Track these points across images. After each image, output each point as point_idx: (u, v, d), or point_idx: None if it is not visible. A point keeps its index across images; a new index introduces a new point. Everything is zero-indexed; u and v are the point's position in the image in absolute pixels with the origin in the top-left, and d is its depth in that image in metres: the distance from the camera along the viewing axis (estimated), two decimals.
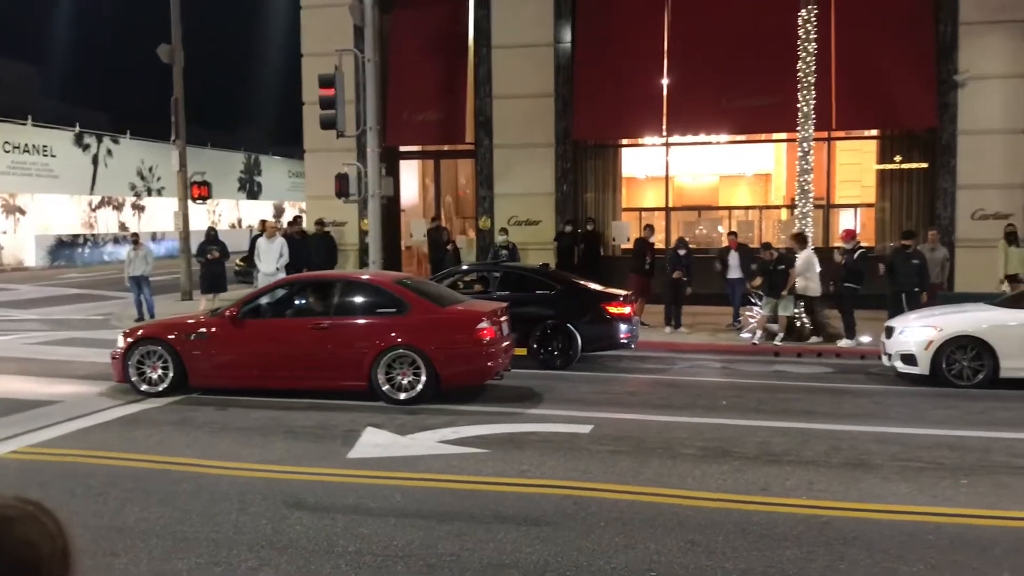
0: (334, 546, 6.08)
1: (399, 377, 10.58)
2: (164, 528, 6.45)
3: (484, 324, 10.67)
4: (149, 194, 46.12)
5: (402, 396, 10.54)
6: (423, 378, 10.50)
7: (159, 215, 44.35)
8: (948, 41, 18.70)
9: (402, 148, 22.38)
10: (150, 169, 45.66)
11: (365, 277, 12.40)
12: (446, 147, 22.52)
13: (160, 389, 11.06)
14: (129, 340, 11.27)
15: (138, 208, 45.64)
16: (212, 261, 18.59)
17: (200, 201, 23.34)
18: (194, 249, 20.74)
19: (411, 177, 23.41)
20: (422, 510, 6.84)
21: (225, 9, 60.22)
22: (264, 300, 11.55)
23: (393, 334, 10.63)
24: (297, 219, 20.64)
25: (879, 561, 5.77)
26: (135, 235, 20.55)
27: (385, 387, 10.58)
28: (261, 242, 17.93)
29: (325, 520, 6.57)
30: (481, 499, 7.10)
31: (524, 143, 20.64)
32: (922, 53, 18.89)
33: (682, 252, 16.59)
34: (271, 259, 17.51)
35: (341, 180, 16.89)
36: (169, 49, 21.82)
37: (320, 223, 19.84)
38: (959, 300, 14.23)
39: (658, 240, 18.48)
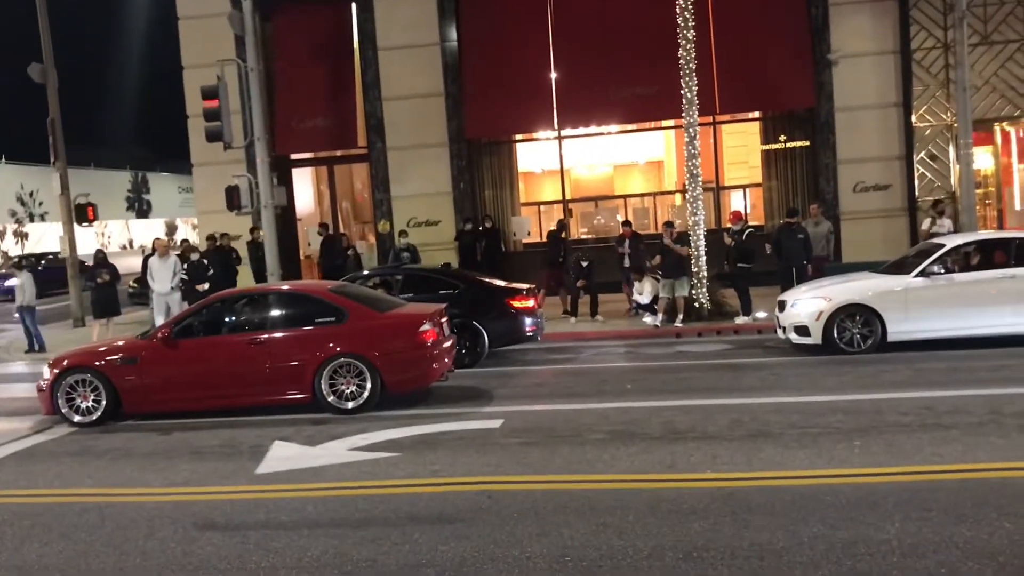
0: (246, 563, 5.99)
1: (343, 386, 10.46)
2: (67, 562, 6.24)
3: (426, 327, 10.62)
4: (31, 220, 44.28)
5: (349, 405, 10.41)
6: (369, 385, 10.40)
7: (45, 240, 42.62)
8: (820, 22, 19.43)
9: (294, 156, 22.07)
10: (31, 194, 43.86)
11: (298, 288, 12.20)
12: (339, 152, 22.30)
13: (94, 418, 10.66)
14: (55, 370, 10.81)
15: (21, 235, 43.78)
16: (103, 285, 17.98)
17: (87, 224, 22.53)
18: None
19: (305, 185, 23.10)
20: (335, 519, 6.79)
21: (100, 24, 58.20)
22: (197, 318, 11.23)
23: (334, 343, 10.49)
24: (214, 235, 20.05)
25: (782, 525, 5.99)
26: (20, 262, 19.67)
27: (330, 398, 10.43)
28: (153, 261, 17.42)
29: (236, 538, 6.47)
30: (395, 502, 7.09)
31: (418, 144, 20.61)
32: (797, 35, 19.59)
33: (584, 263, 16.84)
34: (165, 278, 17.04)
35: (232, 193, 16.55)
36: (41, 68, 20.96)
37: (212, 238, 19.38)
38: (846, 270, 14.82)
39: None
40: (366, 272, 15.98)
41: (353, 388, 10.43)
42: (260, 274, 18.24)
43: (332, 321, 10.67)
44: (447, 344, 11.20)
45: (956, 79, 17.20)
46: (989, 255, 12.78)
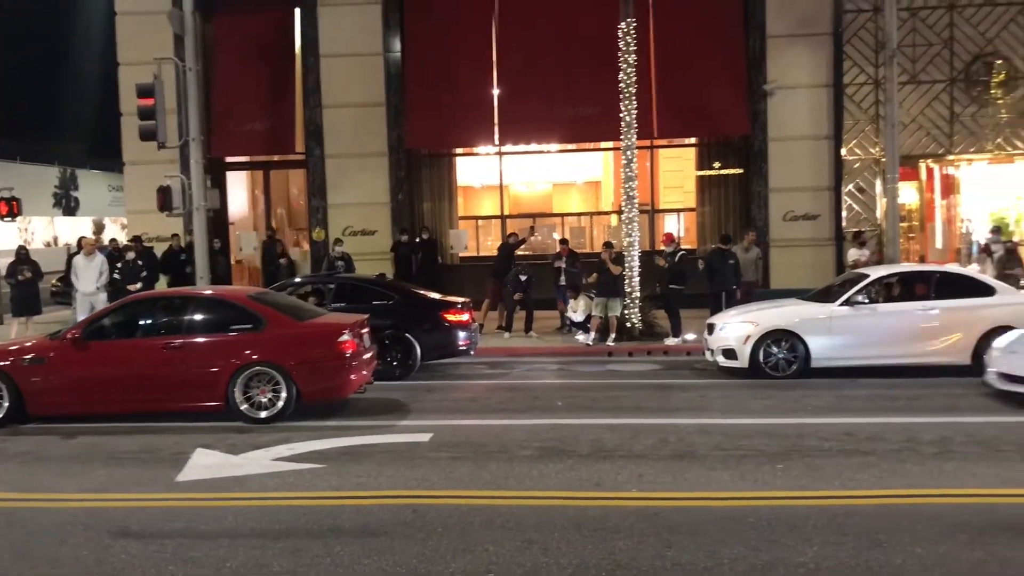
0: (162, 572, 5.84)
1: (258, 395, 10.26)
2: None
3: (345, 337, 10.47)
4: None
5: (263, 414, 10.22)
6: (284, 395, 10.22)
7: None
8: (758, 53, 19.88)
9: (229, 159, 21.74)
10: None
11: (218, 293, 11.94)
12: (276, 157, 22.03)
13: None
14: None
15: None
16: (24, 282, 17.42)
17: (8, 219, 21.82)
18: (2, 270, 19.38)
19: (240, 189, 22.75)
20: (256, 529, 6.67)
21: (32, 16, 56.63)
22: (110, 320, 10.91)
23: (250, 351, 10.29)
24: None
25: (704, 545, 6.07)
26: None
27: (244, 406, 10.22)
28: (79, 260, 16.94)
29: (153, 547, 6.30)
30: (318, 514, 6.99)
31: (357, 152, 20.48)
32: (734, 65, 20.00)
33: (524, 277, 16.90)
34: (90, 278, 16.56)
35: (164, 193, 16.22)
36: None
37: (137, 239, 18.93)
38: (774, 296, 15.14)
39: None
40: (298, 280, 15.80)
41: (268, 397, 10.25)
42: (186, 278, 17.86)
43: (249, 328, 10.47)
44: (367, 356, 11.08)
45: (885, 115, 17.76)
46: (911, 287, 13.17)
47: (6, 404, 10.34)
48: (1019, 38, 19.26)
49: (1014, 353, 10.58)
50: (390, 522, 6.73)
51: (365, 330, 11.17)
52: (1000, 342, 11.00)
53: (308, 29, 20.52)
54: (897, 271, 13.85)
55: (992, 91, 19.24)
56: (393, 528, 6.58)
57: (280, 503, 7.29)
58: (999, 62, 19.18)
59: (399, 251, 19.65)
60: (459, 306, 13.90)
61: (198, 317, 10.81)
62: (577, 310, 16.56)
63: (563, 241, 18.06)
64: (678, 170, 21.76)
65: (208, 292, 12.09)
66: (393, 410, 11.00)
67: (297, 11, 20.62)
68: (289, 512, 7.06)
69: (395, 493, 7.43)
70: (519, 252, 18.30)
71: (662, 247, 17.04)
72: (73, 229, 49.32)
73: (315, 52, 20.50)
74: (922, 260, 19.80)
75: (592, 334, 15.78)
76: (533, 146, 21.17)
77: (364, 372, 10.89)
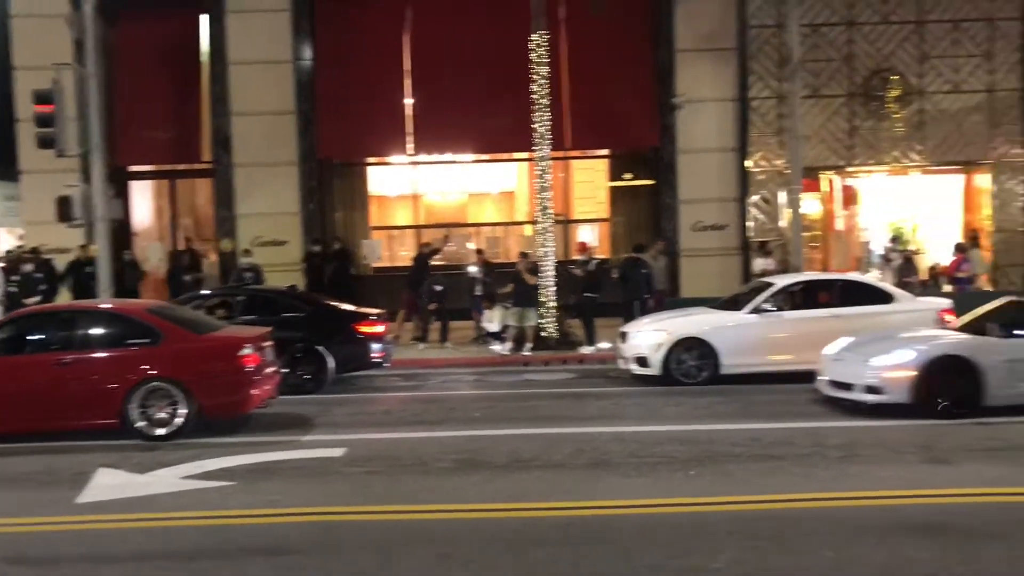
0: None
1: (155, 412, 9.91)
2: None
3: (246, 351, 10.20)
4: None
5: (160, 432, 9.87)
6: (182, 411, 9.90)
7: None
8: (666, 67, 20.26)
9: (133, 168, 21.05)
10: None
11: (112, 307, 11.52)
12: (182, 166, 21.44)
13: None
14: None
15: None
16: None
17: None
18: None
19: (144, 198, 22.06)
20: (165, 550, 6.45)
21: None
22: None
23: (147, 366, 9.95)
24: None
25: (619, 554, 6.11)
26: None
27: (140, 423, 9.86)
28: None
29: (53, 572, 6.06)
30: (228, 533, 6.81)
31: (267, 162, 20.07)
32: (644, 78, 20.35)
33: (439, 288, 16.82)
34: None
35: (64, 203, 15.62)
36: None
37: (34, 251, 18.17)
38: (685, 305, 15.40)
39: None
40: (207, 292, 15.40)
41: (166, 414, 9.93)
42: (93, 291, 17.20)
43: (146, 343, 10.14)
44: (270, 370, 10.85)
45: (788, 128, 18.31)
46: (815, 295, 13.58)
47: None
48: (913, 55, 20.09)
49: (839, 361, 11.00)
50: (302, 540, 6.59)
51: (268, 343, 10.92)
52: (829, 350, 11.35)
53: (216, 36, 20.07)
54: (802, 279, 14.27)
55: (888, 105, 20.01)
56: (307, 546, 6.45)
57: (189, 523, 7.07)
58: (895, 78, 19.96)
59: (311, 262, 19.34)
60: (373, 317, 13.74)
61: (92, 332, 10.42)
62: (493, 320, 16.57)
63: (479, 251, 18.06)
64: (591, 181, 21.99)
65: (103, 306, 11.68)
66: (305, 425, 10.80)
67: (204, 17, 20.15)
68: (199, 532, 6.85)
69: (308, 510, 7.28)
70: (434, 262, 18.22)
71: (576, 256, 17.20)
72: None
73: (223, 59, 20.06)
74: (825, 269, 20.42)
75: (508, 344, 15.81)
76: (448, 156, 21.12)
77: (267, 387, 10.65)
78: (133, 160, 20.63)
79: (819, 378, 11.19)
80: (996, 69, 20.08)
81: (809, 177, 19.55)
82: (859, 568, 5.83)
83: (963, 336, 10.87)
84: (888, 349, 10.68)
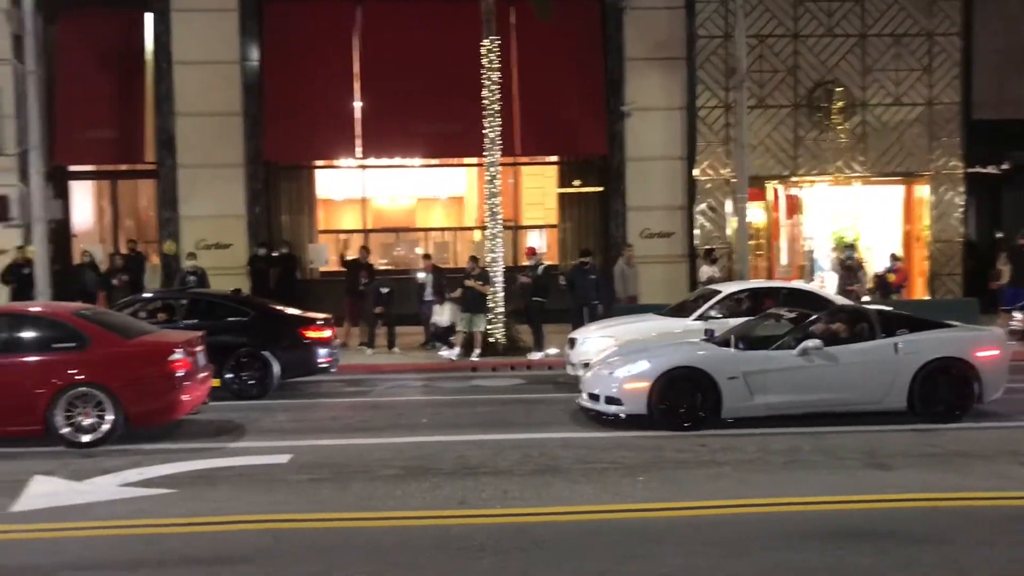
0: None
1: (81, 418, 9.64)
2: None
3: (177, 355, 9.99)
4: None
5: (85, 438, 9.62)
6: (109, 417, 9.65)
7: None
8: (616, 75, 20.42)
9: (74, 168, 20.57)
10: None
11: (36, 309, 11.19)
12: (124, 167, 20.99)
13: None
14: None
15: None
16: None
17: None
18: None
19: (85, 199, 21.56)
20: (103, 561, 6.29)
21: None
22: None
23: (72, 371, 9.69)
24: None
25: (568, 560, 6.11)
26: None
27: (65, 430, 9.59)
28: None
29: None
30: (170, 542, 6.65)
31: (211, 163, 19.76)
32: (594, 85, 20.48)
33: (385, 290, 16.72)
34: None
35: (1, 203, 15.21)
36: None
37: None
38: (633, 311, 15.50)
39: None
40: (148, 295, 15.11)
41: (92, 420, 9.68)
42: (25, 294, 16.76)
43: (73, 347, 9.88)
44: (202, 375, 10.66)
45: (735, 137, 18.56)
46: (760, 302, 13.74)
47: None
48: (856, 68, 20.52)
49: (596, 370, 11.03)
50: (247, 548, 6.47)
51: (200, 347, 10.72)
52: (592, 364, 11.44)
53: (161, 34, 19.71)
54: (747, 287, 14.46)
55: (832, 117, 20.41)
56: (253, 554, 6.33)
57: (130, 531, 6.89)
58: (838, 90, 20.37)
59: (256, 265, 19.08)
60: (319, 322, 13.58)
61: (16, 334, 10.11)
62: (443, 315, 16.43)
63: (426, 256, 18.00)
64: (540, 187, 22.05)
65: (31, 308, 11.34)
66: (250, 431, 10.63)
67: (149, 15, 19.79)
68: (139, 541, 6.69)
69: (254, 518, 7.15)
70: (382, 267, 18.09)
71: (525, 262, 17.22)
72: None
73: (168, 58, 19.70)
74: (769, 277, 20.73)
75: (456, 349, 15.75)
76: (397, 160, 21.02)
77: (198, 392, 10.47)
78: (74, 159, 20.16)
79: (581, 392, 11.06)
80: (935, 83, 20.59)
81: (755, 186, 19.85)
82: (806, 570, 5.89)
83: (705, 348, 10.83)
84: (635, 359, 10.67)
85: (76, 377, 9.67)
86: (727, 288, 14.02)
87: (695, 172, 20.42)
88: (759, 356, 10.44)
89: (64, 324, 10.12)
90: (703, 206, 20.54)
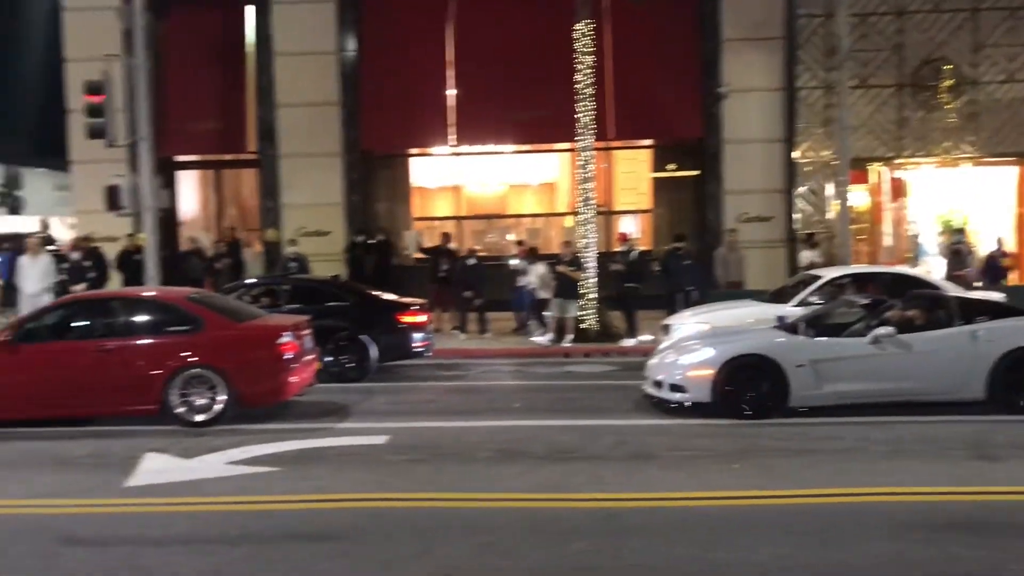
0: None
1: (195, 398, 10.04)
2: None
3: (285, 339, 10.30)
4: None
5: (199, 418, 10.01)
6: (221, 398, 10.03)
7: None
8: (712, 56, 20.06)
9: (180, 158, 21.38)
10: None
11: (154, 294, 11.70)
12: (228, 157, 21.72)
13: None
14: None
15: None
16: None
17: None
18: None
19: (191, 189, 22.39)
20: (210, 535, 6.54)
21: None
22: (42, 322, 10.63)
23: (187, 353, 10.08)
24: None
25: (659, 546, 6.09)
26: None
27: (180, 409, 10.00)
28: (23, 261, 16.50)
29: (103, 554, 6.17)
30: (273, 518, 6.89)
31: (311, 152, 20.26)
32: (690, 67, 20.17)
33: (471, 262, 16.86)
34: (34, 279, 16.15)
35: (112, 193, 15.88)
36: None
37: (86, 239, 18.51)
38: (729, 298, 15.25)
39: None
40: (251, 280, 15.59)
41: (205, 400, 10.05)
42: (136, 280, 17.50)
43: (187, 330, 10.28)
44: (308, 358, 10.95)
45: (836, 119, 18.03)
46: (863, 287, 13.36)
47: None
48: (966, 43, 19.66)
49: (661, 356, 10.86)
50: (347, 525, 6.65)
51: (306, 332, 11.02)
52: (657, 351, 11.32)
53: (262, 27, 20.27)
54: (850, 272, 14.08)
55: (940, 96, 19.63)
56: (351, 532, 6.50)
57: (235, 507, 7.16)
58: (947, 67, 19.56)
59: (353, 252, 19.49)
60: (415, 307, 13.81)
61: (134, 319, 10.61)
62: (532, 276, 16.35)
63: (519, 242, 18.07)
64: (633, 171, 21.87)
65: (145, 293, 11.88)
66: (349, 412, 10.89)
67: (251, 8, 20.36)
68: (245, 516, 6.94)
69: (353, 496, 7.34)
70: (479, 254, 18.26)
71: (617, 247, 17.12)
72: (17, 229, 48.02)
73: (268, 50, 20.26)
74: (872, 262, 20.11)
75: (548, 335, 15.78)
76: (489, 147, 21.14)
77: (305, 374, 10.75)
78: (180, 150, 20.93)
79: (646, 379, 10.89)
80: None
81: (857, 168, 19.26)
82: (904, 564, 5.73)
83: (772, 334, 10.55)
84: (700, 346, 10.47)
85: (190, 359, 10.05)
86: (828, 273, 13.67)
87: (795, 154, 19.93)
88: (828, 343, 10.16)
89: (179, 308, 10.55)
90: (803, 189, 20.05)
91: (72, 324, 10.77)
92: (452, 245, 18.49)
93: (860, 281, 13.55)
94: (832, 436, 9.08)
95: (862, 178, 20.24)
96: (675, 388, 10.18)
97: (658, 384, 10.45)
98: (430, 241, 19.60)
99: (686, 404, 10.09)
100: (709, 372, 9.94)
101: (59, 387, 10.09)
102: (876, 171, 20.55)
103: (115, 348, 10.15)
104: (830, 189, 19.66)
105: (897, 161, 20.26)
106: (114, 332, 10.42)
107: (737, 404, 9.84)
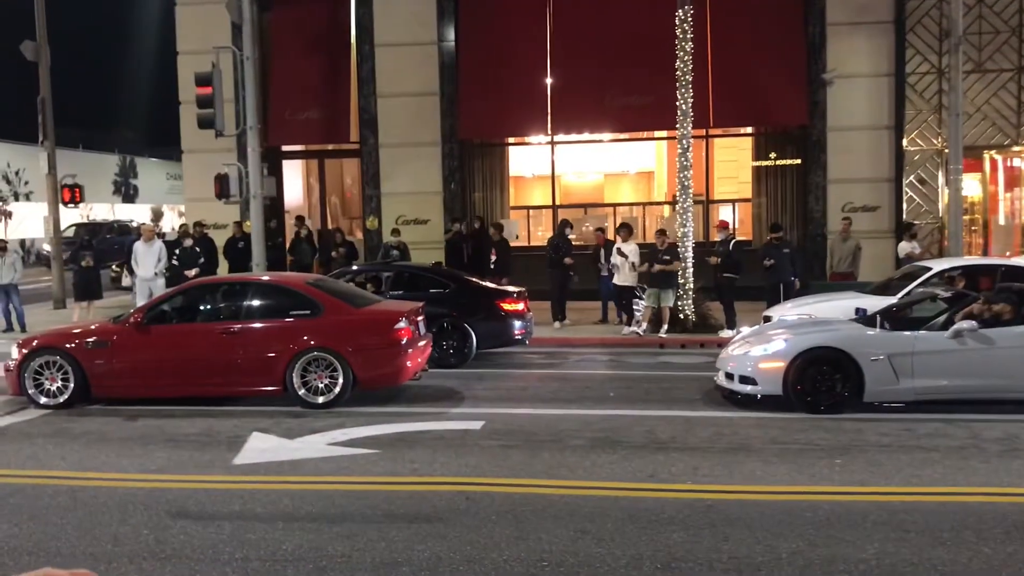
0: (220, 554, 5.92)
1: (315, 380, 10.36)
2: (36, 545, 6.15)
3: (401, 324, 10.53)
4: (16, 199, 43.81)
5: (320, 400, 10.33)
6: (340, 380, 10.32)
7: (29, 221, 42.16)
8: (817, 41, 19.49)
9: (285, 148, 21.96)
10: (16, 172, 43.38)
11: (276, 279, 12.07)
12: (330, 146, 22.21)
13: (61, 400, 10.52)
14: (24, 351, 10.66)
15: (4, 214, 43.32)
16: (86, 268, 17.80)
17: (72, 205, 22.34)
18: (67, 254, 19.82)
19: (295, 177, 22.99)
20: (311, 513, 6.73)
21: (95, 5, 57.78)
22: (170, 305, 11.12)
23: (307, 336, 10.40)
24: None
25: (760, 540, 5.98)
26: (2, 242, 19.32)
27: (301, 391, 10.33)
28: (138, 246, 17.28)
29: (210, 528, 6.40)
30: (372, 499, 7.03)
31: (410, 142, 20.54)
32: (793, 53, 19.64)
33: (570, 233, 16.86)
34: (149, 264, 16.89)
35: (221, 181, 16.43)
36: (34, 46, 20.77)
37: (200, 225, 19.24)
38: (831, 290, 14.84)
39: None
40: (356, 267, 15.91)
41: (325, 382, 10.34)
42: (242, 265, 18.08)
43: (307, 314, 10.57)
44: (422, 343, 11.13)
45: (949, 105, 17.30)
46: (974, 280, 12.81)
47: (71, 385, 10.55)
48: None
49: (735, 348, 10.54)
50: (443, 508, 6.74)
51: (420, 317, 11.22)
52: (730, 342, 11.03)
53: (363, 18, 20.63)
54: (960, 264, 13.48)
55: None
56: (447, 514, 6.59)
57: (335, 487, 7.35)
58: None
59: (452, 240, 19.67)
60: (515, 295, 13.88)
61: (256, 303, 10.96)
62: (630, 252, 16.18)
63: (599, 230, 17.97)
64: (733, 160, 21.48)
65: (266, 278, 12.24)
66: (446, 397, 11.04)
67: (352, 0, 20.73)
68: (344, 496, 7.11)
69: (448, 480, 7.44)
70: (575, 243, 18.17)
71: (716, 237, 16.82)
72: (133, 215, 50.22)
73: (370, 41, 20.61)
74: (984, 254, 19.29)
75: (644, 325, 15.64)
76: (586, 135, 21.05)
77: (419, 359, 10.94)
78: (285, 140, 21.48)
79: (719, 372, 10.64)
80: None
81: (970, 157, 18.48)
82: (1019, 566, 5.49)
83: (848, 327, 10.16)
84: (772, 338, 10.15)
85: (311, 343, 10.36)
86: (938, 265, 13.15)
87: (904, 142, 19.23)
88: (906, 337, 9.76)
89: (300, 293, 10.87)
90: (912, 178, 19.35)
91: (199, 307, 11.24)
92: (571, 235, 18.37)
93: (971, 274, 12.98)
94: (941, 433, 8.75)
95: (976, 166, 19.42)
96: (745, 380, 10.00)
97: (729, 376, 10.26)
98: (523, 230, 19.55)
99: (756, 396, 9.90)
100: (780, 364, 9.73)
101: (188, 368, 10.55)
102: (990, 159, 19.68)
103: (239, 331, 10.53)
104: (941, 178, 18.92)
105: (1014, 149, 19.34)
106: (238, 315, 10.82)
107: (809, 397, 9.62)
